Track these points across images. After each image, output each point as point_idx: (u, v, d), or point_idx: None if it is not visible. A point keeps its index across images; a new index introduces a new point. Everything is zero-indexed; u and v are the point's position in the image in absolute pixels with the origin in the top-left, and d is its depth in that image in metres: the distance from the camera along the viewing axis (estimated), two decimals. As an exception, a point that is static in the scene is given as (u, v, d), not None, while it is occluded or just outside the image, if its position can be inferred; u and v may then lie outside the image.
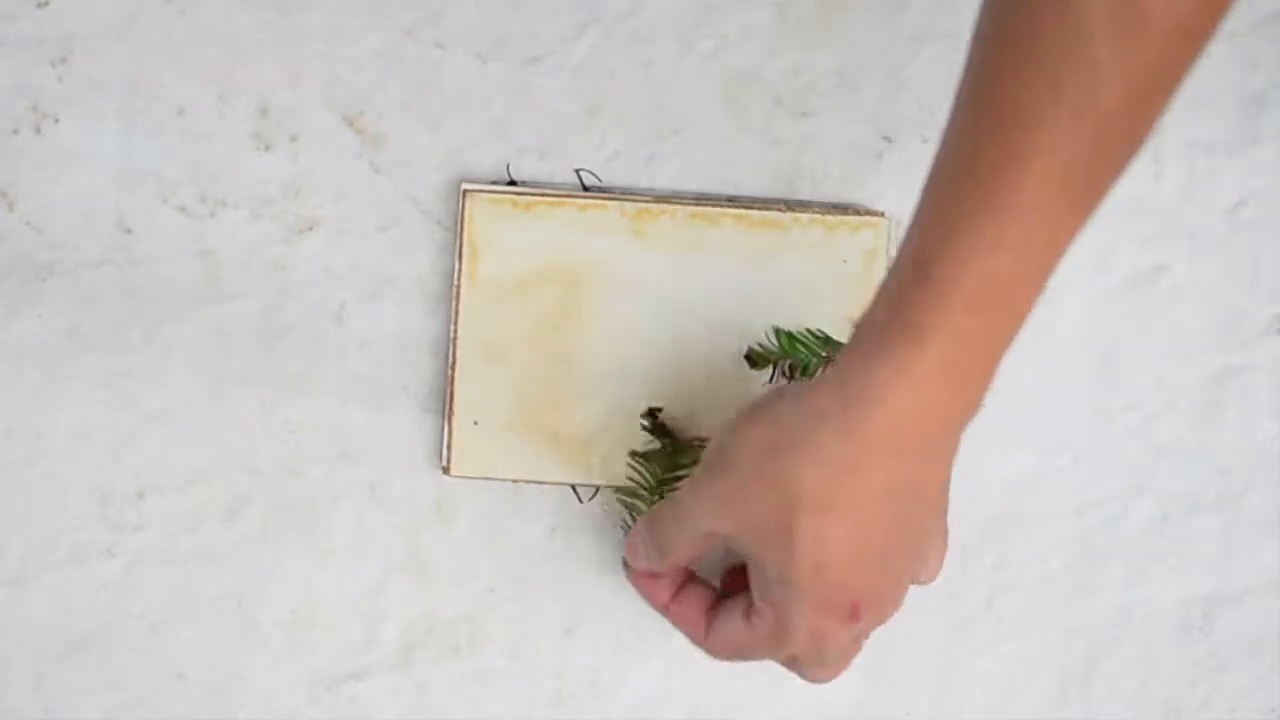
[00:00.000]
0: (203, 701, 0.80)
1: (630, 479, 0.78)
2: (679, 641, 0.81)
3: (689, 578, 0.71)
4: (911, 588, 0.64)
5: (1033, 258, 0.57)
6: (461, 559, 0.81)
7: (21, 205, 0.80)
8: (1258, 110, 0.82)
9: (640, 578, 0.72)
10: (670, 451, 0.78)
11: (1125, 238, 0.82)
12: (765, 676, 0.82)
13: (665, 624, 0.81)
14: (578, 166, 0.81)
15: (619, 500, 0.79)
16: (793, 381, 0.75)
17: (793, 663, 0.67)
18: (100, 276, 0.80)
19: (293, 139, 0.81)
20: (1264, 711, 0.82)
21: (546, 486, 0.80)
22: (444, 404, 0.79)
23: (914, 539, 0.62)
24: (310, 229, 0.81)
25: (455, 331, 0.79)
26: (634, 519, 0.78)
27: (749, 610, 0.65)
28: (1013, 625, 0.82)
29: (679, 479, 0.78)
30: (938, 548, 0.65)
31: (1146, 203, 0.82)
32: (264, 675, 0.80)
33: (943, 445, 0.60)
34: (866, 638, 0.66)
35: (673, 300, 0.79)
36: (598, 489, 0.80)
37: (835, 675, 0.68)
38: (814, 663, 0.66)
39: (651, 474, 0.78)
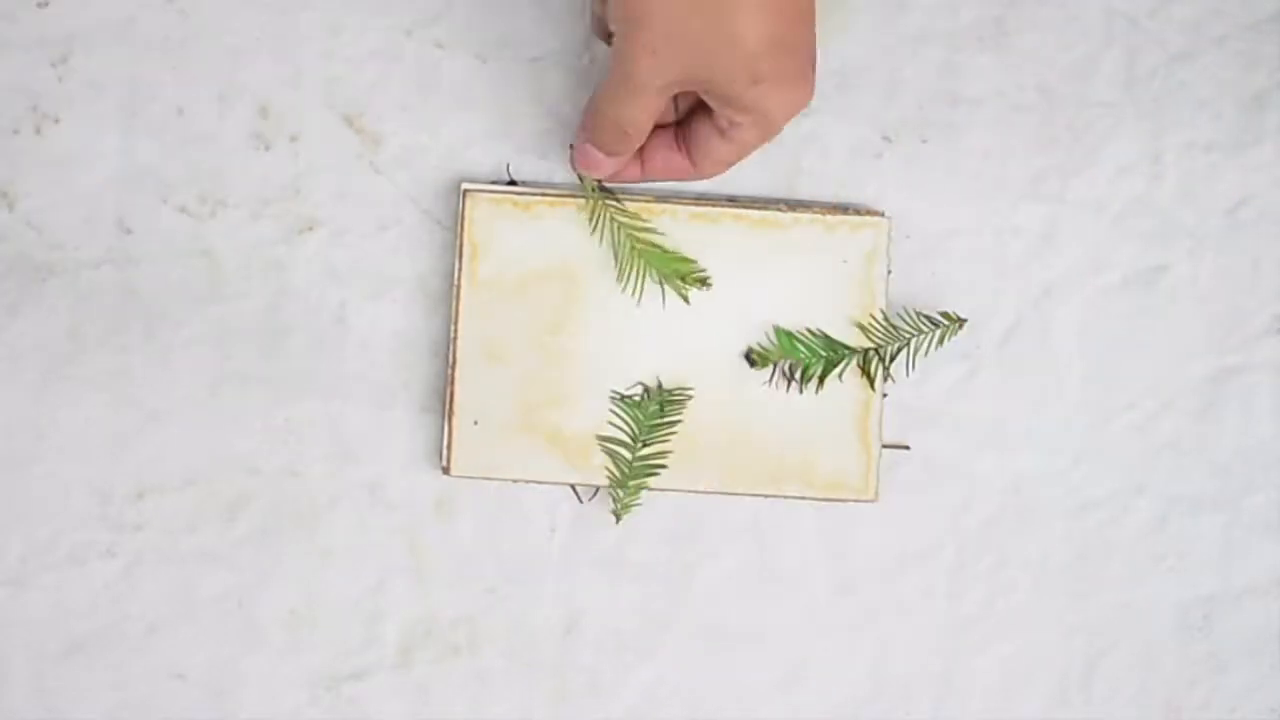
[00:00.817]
0: (203, 701, 0.80)
1: (613, 424, 0.79)
2: (679, 641, 0.81)
3: (644, 138, 0.73)
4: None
5: None
6: (461, 559, 0.81)
7: (21, 205, 0.80)
8: (1258, 110, 0.82)
9: (610, 174, 0.75)
10: (658, 398, 0.78)
11: (1125, 238, 0.82)
12: (765, 677, 0.82)
13: (665, 624, 0.81)
14: (578, 166, 0.81)
15: (602, 447, 0.79)
16: None
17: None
18: (100, 276, 0.80)
19: (293, 139, 0.81)
20: (1264, 711, 0.82)
21: (546, 486, 0.81)
22: (444, 404, 0.79)
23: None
24: (310, 229, 0.81)
25: (455, 331, 0.79)
26: (618, 469, 0.78)
27: (721, 128, 0.71)
28: (1013, 625, 0.82)
29: (666, 425, 0.78)
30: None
31: (1146, 203, 0.82)
32: (264, 675, 0.80)
33: None
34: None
35: (672, 300, 0.79)
36: (598, 489, 0.80)
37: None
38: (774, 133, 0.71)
39: (636, 420, 0.78)
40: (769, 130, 0.70)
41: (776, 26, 0.65)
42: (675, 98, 0.74)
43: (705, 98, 0.69)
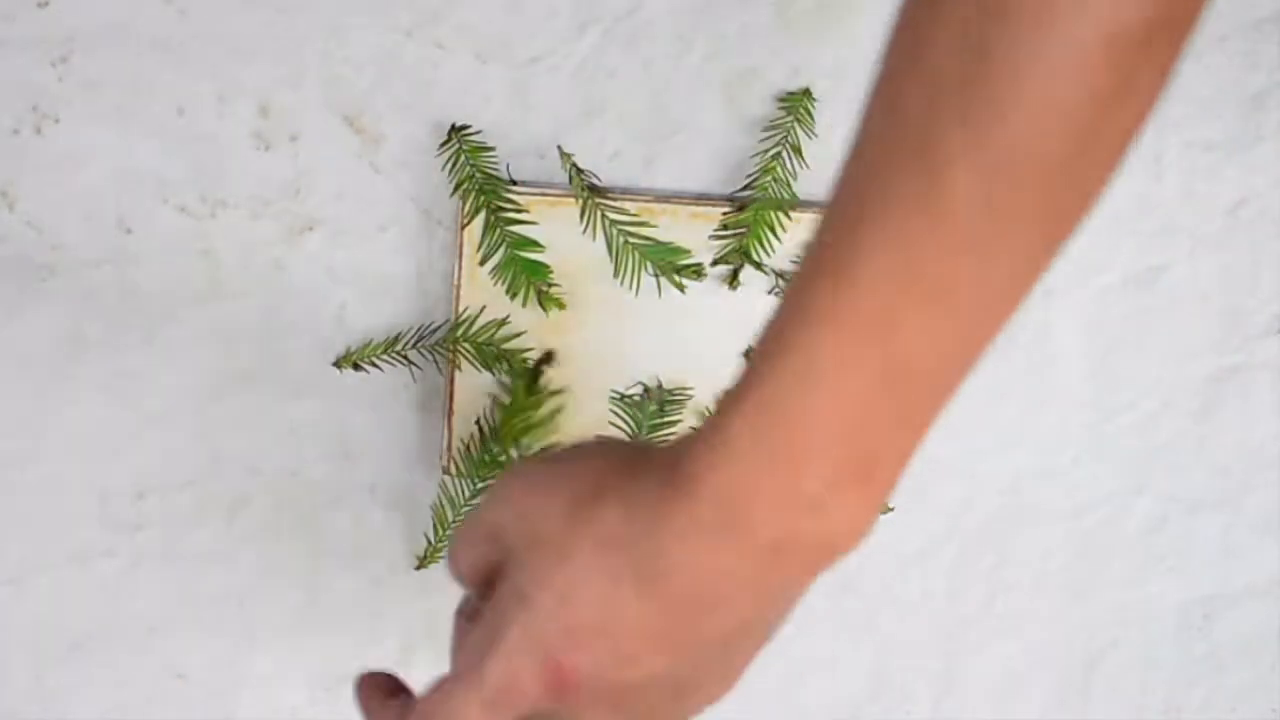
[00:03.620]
0: (203, 701, 0.80)
1: (613, 424, 0.79)
2: (679, 641, 0.81)
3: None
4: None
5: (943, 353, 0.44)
6: (461, 559, 0.81)
7: (21, 205, 0.80)
8: (1258, 110, 0.82)
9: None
10: (658, 398, 0.78)
11: (1125, 238, 0.82)
12: (765, 677, 0.82)
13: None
14: (578, 167, 0.81)
15: None
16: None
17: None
18: (100, 276, 0.80)
19: (293, 139, 0.81)
20: (1264, 711, 0.82)
21: (546, 486, 0.81)
22: (444, 404, 0.79)
23: (694, 665, 0.48)
24: (310, 229, 0.81)
25: (455, 331, 0.79)
26: None
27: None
28: (1013, 625, 0.82)
29: (666, 425, 0.78)
30: (714, 691, 0.51)
31: (1146, 203, 0.82)
32: (264, 675, 0.80)
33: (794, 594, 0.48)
34: None
35: (673, 299, 0.79)
36: (598, 489, 0.80)
37: None
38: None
39: (636, 420, 0.78)
40: (481, 654, 0.49)
41: (596, 629, 0.46)
42: None
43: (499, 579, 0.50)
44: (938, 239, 0.41)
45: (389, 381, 0.81)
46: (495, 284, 0.79)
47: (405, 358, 0.80)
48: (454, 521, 0.80)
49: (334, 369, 0.81)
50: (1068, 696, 0.82)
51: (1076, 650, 0.82)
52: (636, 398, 0.79)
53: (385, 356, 0.80)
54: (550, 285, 0.79)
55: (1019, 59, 0.39)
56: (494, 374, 0.78)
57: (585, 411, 0.79)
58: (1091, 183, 0.42)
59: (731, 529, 0.44)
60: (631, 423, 0.79)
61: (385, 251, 0.81)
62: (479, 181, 0.79)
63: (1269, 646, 0.82)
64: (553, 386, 0.78)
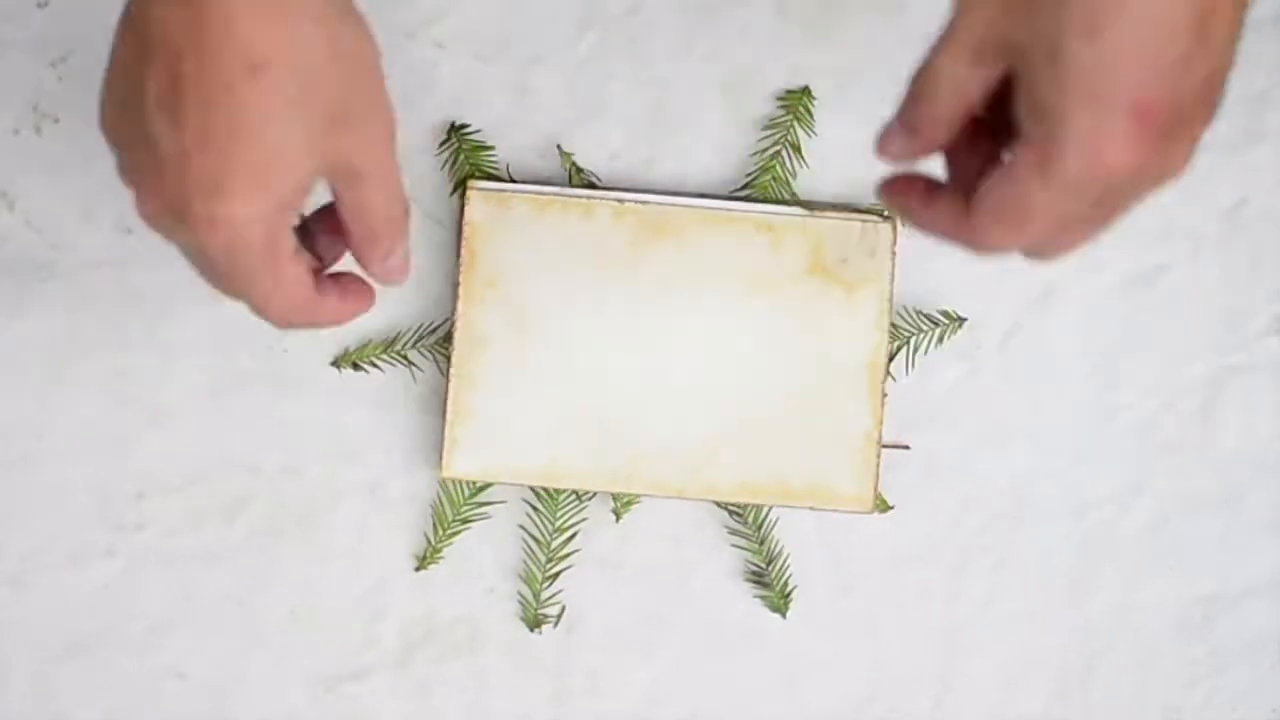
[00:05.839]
0: (203, 701, 0.80)
1: None
2: (679, 641, 0.81)
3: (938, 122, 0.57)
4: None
5: None
6: (461, 559, 0.81)
7: (21, 205, 0.80)
8: (1258, 110, 0.82)
9: (893, 155, 0.60)
10: None
11: (1125, 238, 0.82)
12: (765, 677, 0.82)
13: (665, 624, 0.81)
14: (578, 166, 0.81)
15: None
16: None
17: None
18: (100, 276, 0.80)
19: (293, 139, 0.81)
20: (1264, 711, 0.82)
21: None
22: (444, 404, 0.79)
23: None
24: (310, 229, 0.81)
25: (455, 331, 0.79)
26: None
27: (1018, 156, 0.51)
28: (1013, 625, 0.82)
29: None
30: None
31: (1146, 202, 0.82)
32: (264, 675, 0.80)
33: None
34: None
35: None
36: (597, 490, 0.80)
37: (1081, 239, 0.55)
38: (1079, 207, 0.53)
39: None
40: (1096, 156, 0.51)
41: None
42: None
43: (1017, 99, 0.52)
44: None
45: (389, 381, 0.81)
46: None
47: (405, 357, 0.80)
48: (454, 521, 0.80)
49: (333, 369, 0.81)
50: (1067, 696, 0.82)
51: (1076, 650, 0.82)
52: None
53: (385, 356, 0.80)
54: None
55: None
56: None
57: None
58: None
59: None
60: None
61: (385, 251, 0.81)
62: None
63: (1269, 646, 0.82)
64: None
